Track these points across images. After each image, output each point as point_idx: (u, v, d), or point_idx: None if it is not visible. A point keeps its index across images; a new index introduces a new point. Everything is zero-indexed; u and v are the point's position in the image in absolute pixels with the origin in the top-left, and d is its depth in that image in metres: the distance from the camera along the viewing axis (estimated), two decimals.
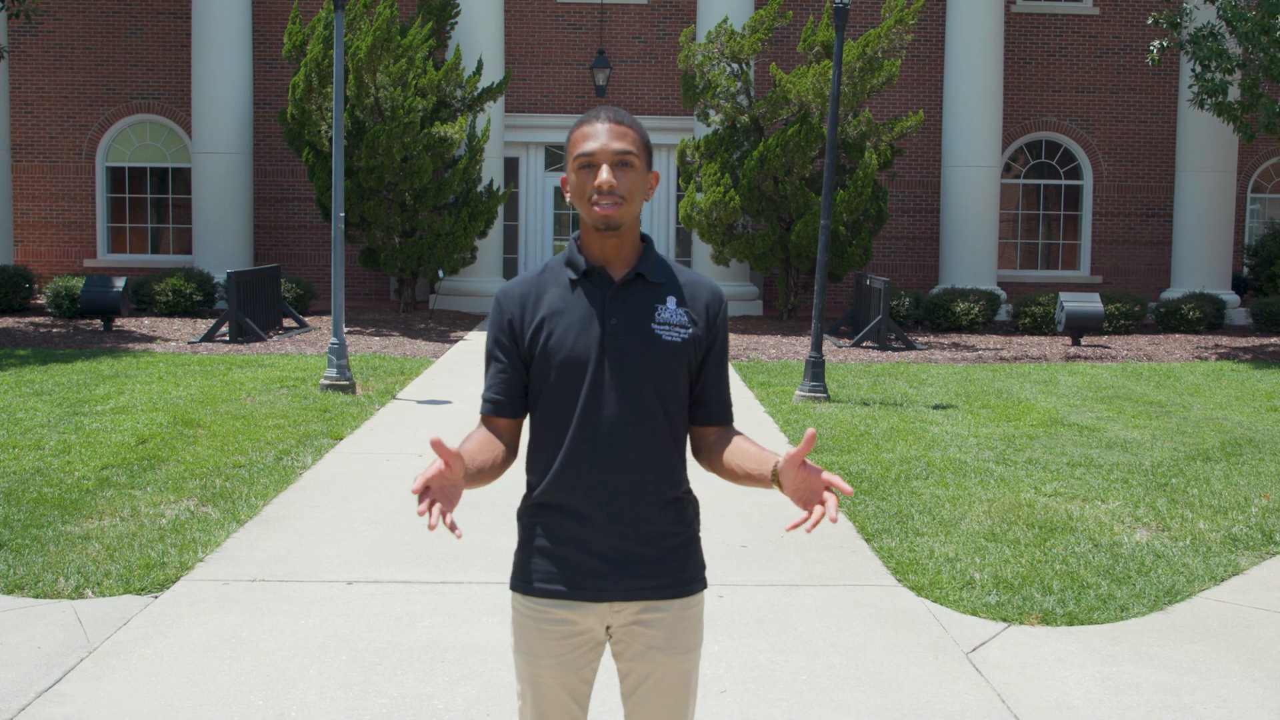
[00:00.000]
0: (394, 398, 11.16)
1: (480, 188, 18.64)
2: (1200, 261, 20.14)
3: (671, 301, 2.54)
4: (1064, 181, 21.32)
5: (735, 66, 18.04)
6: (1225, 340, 17.87)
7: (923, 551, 6.25)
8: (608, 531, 2.49)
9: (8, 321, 17.20)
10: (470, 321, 18.44)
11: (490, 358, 2.59)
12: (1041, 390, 12.34)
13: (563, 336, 2.49)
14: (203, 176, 19.34)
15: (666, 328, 2.51)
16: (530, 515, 2.57)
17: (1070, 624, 5.25)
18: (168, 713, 4.15)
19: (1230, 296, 19.97)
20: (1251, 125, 15.86)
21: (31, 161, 20.65)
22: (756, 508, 7.00)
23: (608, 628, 2.56)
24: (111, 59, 20.56)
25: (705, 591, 2.65)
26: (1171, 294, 20.17)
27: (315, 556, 6.01)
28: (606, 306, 2.50)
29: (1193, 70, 16.14)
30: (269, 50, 20.37)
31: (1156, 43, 16.22)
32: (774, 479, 2.42)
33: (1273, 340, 17.85)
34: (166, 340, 15.34)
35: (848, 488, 2.27)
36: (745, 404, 11.15)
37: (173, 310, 17.90)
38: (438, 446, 2.22)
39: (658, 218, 21.11)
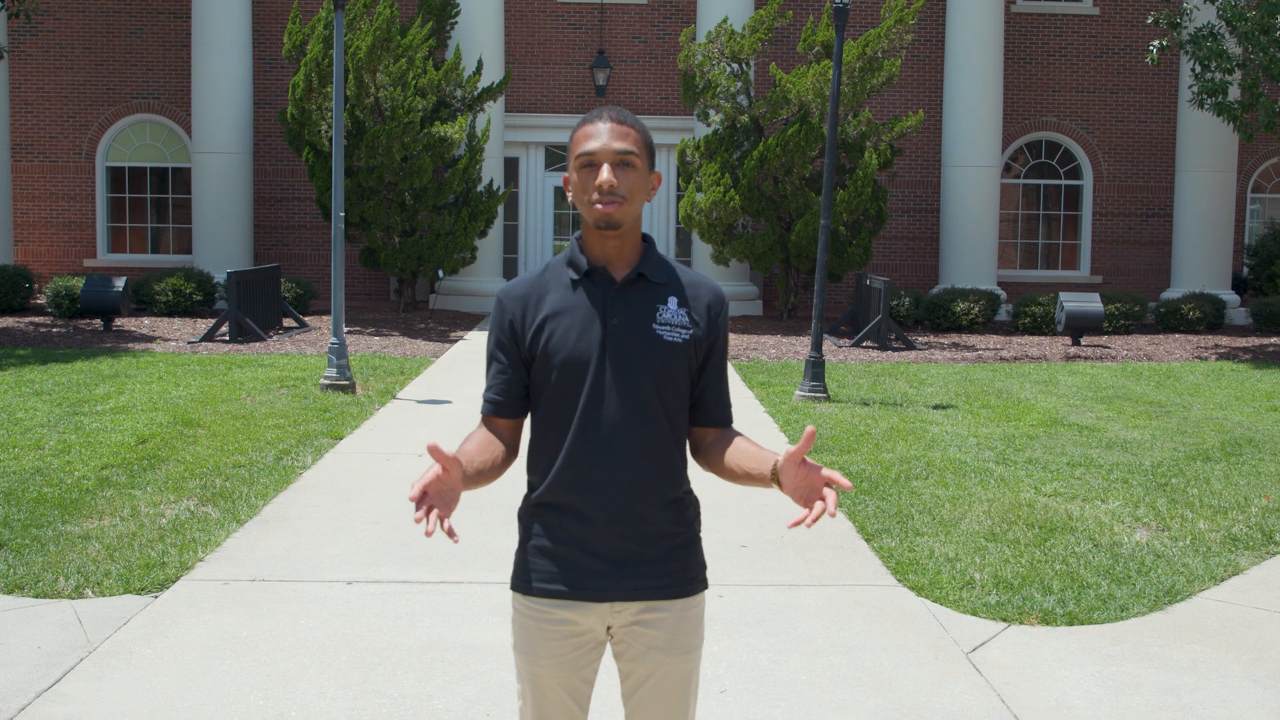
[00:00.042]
0: (394, 397, 11.16)
1: (480, 187, 18.64)
2: (1200, 261, 20.14)
3: (673, 302, 2.54)
4: (1064, 181, 21.32)
5: (735, 66, 18.04)
6: (1225, 340, 17.87)
7: (923, 551, 6.25)
8: (608, 531, 2.49)
9: (8, 321, 17.20)
10: (470, 321, 18.44)
11: (491, 358, 2.59)
12: (1041, 390, 12.34)
13: (564, 336, 2.49)
14: (203, 176, 19.34)
15: (668, 328, 2.51)
16: (531, 515, 2.57)
17: (1070, 624, 5.25)
18: (168, 713, 4.15)
19: (1230, 296, 19.98)
20: (1251, 125, 15.86)
21: (31, 161, 20.65)
22: (756, 508, 7.00)
23: (608, 628, 2.56)
24: (111, 59, 20.56)
25: (706, 592, 2.64)
26: (1171, 294, 20.17)
27: (315, 556, 6.01)
28: (608, 306, 2.50)
29: (1192, 70, 16.14)
30: (269, 50, 20.37)
31: (1156, 42, 16.22)
32: (773, 478, 2.42)
33: (1273, 340, 17.85)
34: (166, 340, 15.34)
35: (846, 483, 2.28)
36: (745, 404, 11.15)
37: (173, 310, 17.90)
38: (434, 452, 2.23)
39: (658, 218, 21.11)
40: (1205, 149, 19.97)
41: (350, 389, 11.26)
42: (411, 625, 5.04)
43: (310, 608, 5.24)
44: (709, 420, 2.61)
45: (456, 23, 19.41)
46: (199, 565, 5.81)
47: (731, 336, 16.98)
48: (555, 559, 2.52)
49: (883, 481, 7.86)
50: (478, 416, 10.34)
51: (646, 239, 2.59)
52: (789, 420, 10.24)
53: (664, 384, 2.50)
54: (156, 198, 20.93)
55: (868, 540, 6.50)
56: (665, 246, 21.01)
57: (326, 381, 11.24)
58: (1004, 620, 5.28)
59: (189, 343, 15.05)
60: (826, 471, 2.34)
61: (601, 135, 2.46)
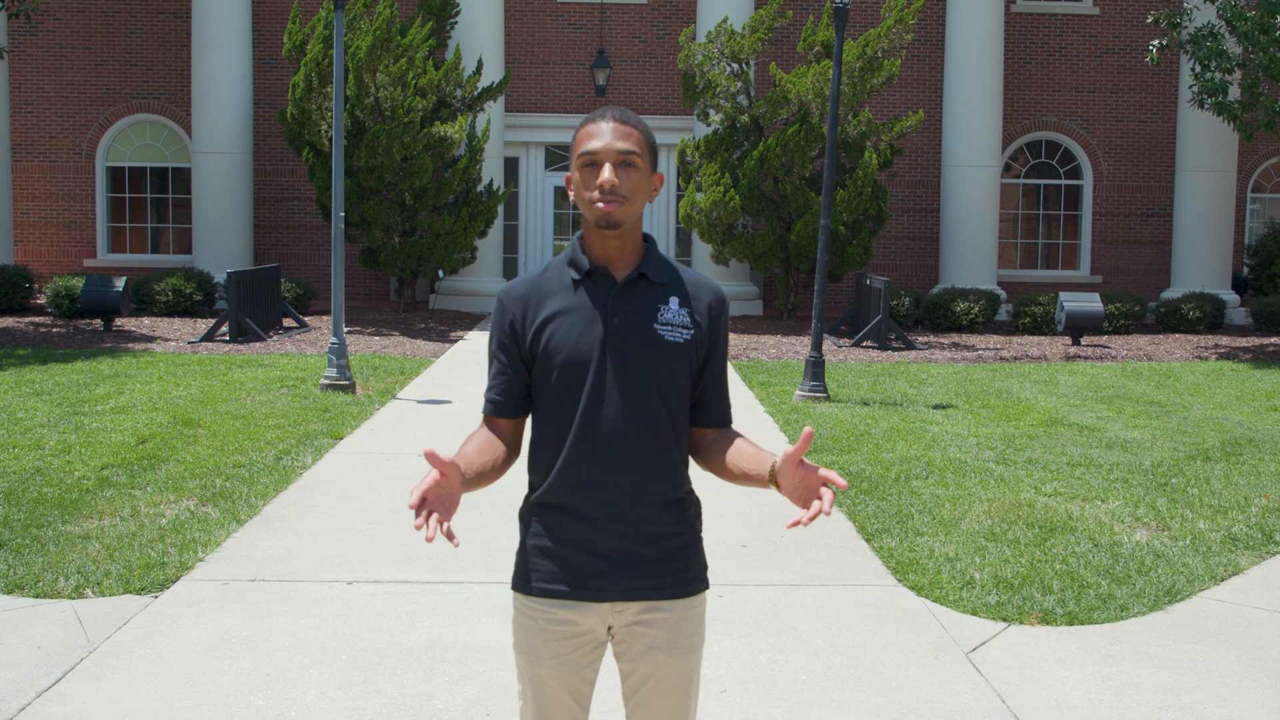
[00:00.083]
0: (394, 397, 11.16)
1: (480, 187, 18.64)
2: (1200, 261, 20.14)
3: (674, 302, 2.54)
4: (1064, 181, 21.32)
5: (735, 66, 18.04)
6: (1225, 340, 17.87)
7: (923, 551, 6.25)
8: (609, 531, 2.49)
9: (8, 321, 17.20)
10: (470, 321, 18.45)
11: (492, 358, 2.59)
12: (1041, 390, 12.34)
13: (565, 336, 2.49)
14: (203, 176, 19.34)
15: (669, 328, 2.51)
16: (532, 515, 2.57)
17: (1070, 624, 5.25)
18: (168, 713, 4.15)
19: (1230, 296, 19.98)
20: (1251, 124, 15.86)
21: (31, 161, 20.65)
22: (756, 508, 7.00)
23: (609, 628, 2.56)
24: (111, 59, 20.56)
25: (707, 592, 2.65)
26: (1171, 294, 20.17)
27: (315, 556, 6.01)
28: (609, 306, 2.50)
29: (1192, 70, 16.14)
30: (269, 50, 20.37)
31: (1156, 42, 16.22)
32: (771, 479, 2.42)
33: (1273, 340, 17.85)
34: (166, 340, 15.34)
35: (842, 482, 2.29)
36: (745, 404, 11.15)
37: (173, 310, 17.90)
38: (431, 458, 2.24)
39: (658, 218, 21.11)
40: (1205, 149, 19.97)
41: (350, 389, 11.26)
42: (411, 625, 5.04)
43: (310, 608, 5.24)
44: (709, 420, 2.61)
45: (456, 22, 19.42)
46: (199, 565, 5.81)
47: (731, 336, 16.98)
48: (556, 559, 2.52)
49: (883, 481, 7.86)
50: (478, 416, 10.35)
51: (648, 239, 2.59)
52: (789, 420, 10.24)
53: (665, 384, 2.50)
54: (156, 198, 20.93)
55: (868, 540, 6.50)
56: (665, 246, 21.02)
57: (326, 381, 11.24)
58: (1004, 620, 5.28)
59: (189, 343, 15.05)
60: (824, 471, 2.34)
61: (604, 135, 2.46)
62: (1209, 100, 15.59)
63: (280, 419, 9.69)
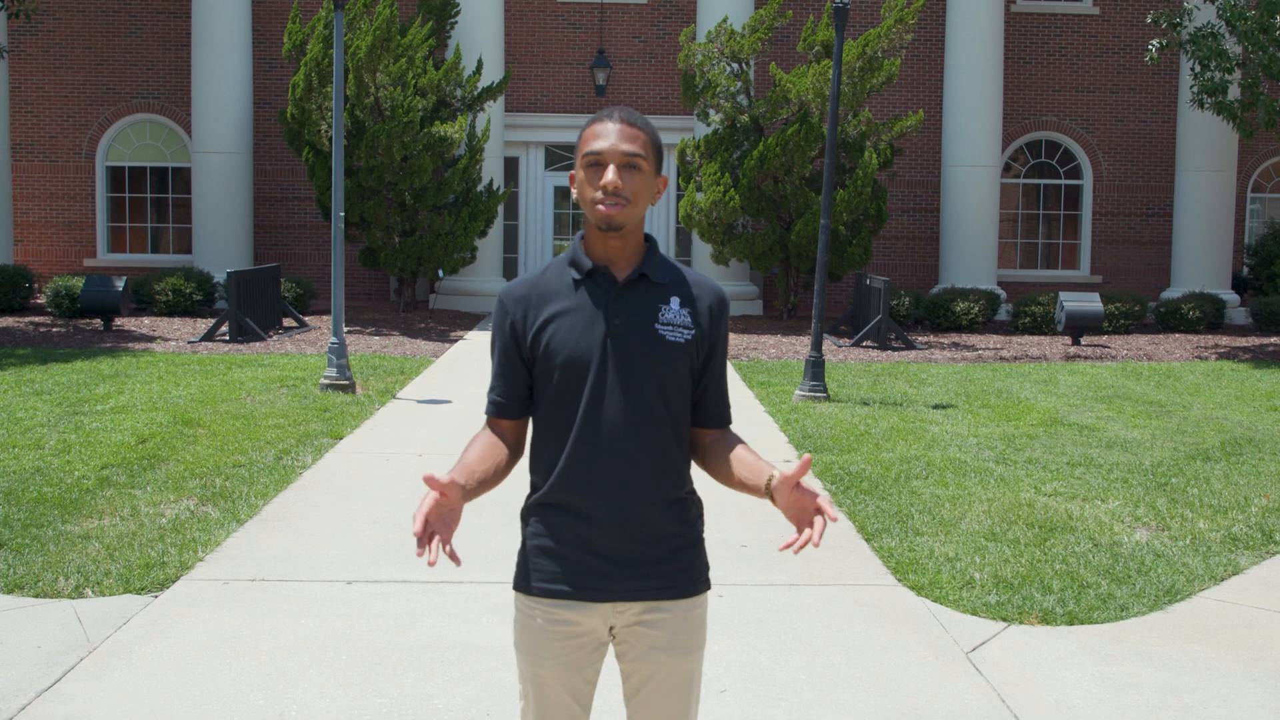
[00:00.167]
0: (394, 397, 11.16)
1: (480, 187, 18.64)
2: (1200, 261, 20.15)
3: (675, 302, 2.54)
4: (1064, 181, 21.32)
5: (735, 66, 18.04)
6: (1225, 340, 17.87)
7: (923, 551, 6.25)
8: (610, 531, 2.49)
9: (8, 321, 17.20)
10: (470, 321, 18.44)
11: (493, 358, 2.60)
12: (1041, 390, 12.34)
13: (566, 336, 2.49)
14: (203, 176, 19.34)
15: (670, 328, 2.51)
16: (533, 515, 2.57)
17: (1070, 623, 5.25)
18: (168, 712, 4.15)
19: (1230, 296, 19.98)
20: (1251, 123, 15.86)
21: (31, 161, 20.65)
22: (756, 508, 7.00)
23: (611, 628, 2.56)
24: (111, 58, 20.55)
25: (709, 592, 2.65)
26: (1171, 294, 20.17)
27: (315, 556, 6.01)
28: (610, 306, 2.50)
29: (1192, 70, 16.14)
30: (269, 50, 20.37)
31: (1155, 42, 16.22)
32: (767, 490, 2.43)
33: (1273, 340, 17.85)
34: (166, 340, 15.34)
35: (834, 515, 2.31)
36: (745, 403, 11.15)
37: (173, 310, 17.90)
38: (431, 482, 2.27)
39: (658, 217, 21.11)
40: (1205, 149, 19.98)
41: (350, 389, 11.26)
42: (411, 625, 5.04)
43: (310, 607, 5.24)
44: (708, 421, 2.61)
45: (456, 22, 19.42)
46: (199, 565, 5.81)
47: (731, 336, 16.98)
48: (558, 559, 2.52)
49: (883, 481, 7.86)
50: (478, 416, 10.36)
51: (649, 239, 2.59)
52: (789, 420, 10.24)
53: (666, 384, 2.50)
54: (156, 197, 20.93)
55: (868, 540, 6.50)
56: (665, 246, 21.01)
57: (326, 381, 11.24)
58: (1004, 620, 5.28)
59: (189, 342, 15.05)
60: (821, 501, 2.35)
61: (610, 135, 2.46)
62: (1209, 100, 15.59)
63: (280, 419, 9.69)
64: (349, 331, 16.51)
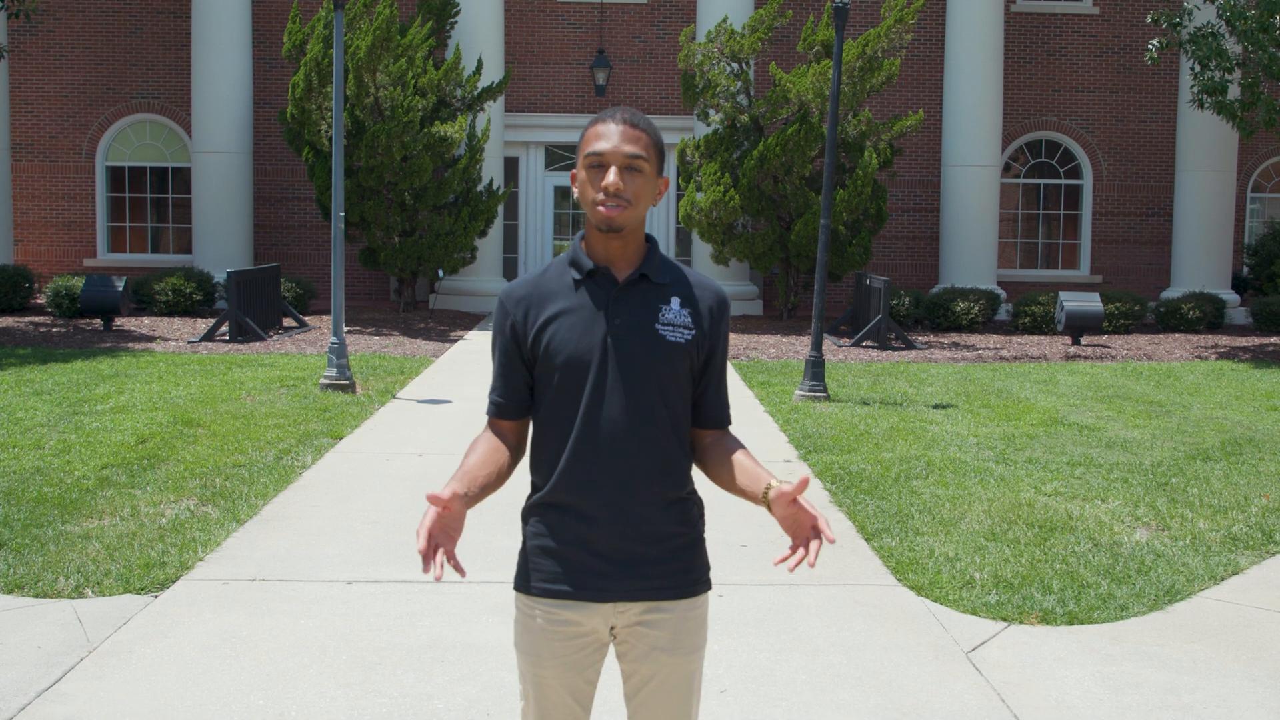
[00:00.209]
0: (394, 397, 11.16)
1: (480, 187, 18.64)
2: (1200, 261, 20.15)
3: (675, 302, 2.54)
4: (1064, 181, 21.32)
5: (735, 66, 18.04)
6: (1225, 340, 17.87)
7: (923, 551, 6.25)
8: (611, 532, 2.50)
9: (8, 321, 17.20)
10: (470, 321, 18.44)
11: (494, 359, 2.60)
12: (1041, 390, 12.34)
13: (566, 336, 2.49)
14: (203, 176, 19.34)
15: (670, 328, 2.51)
16: (534, 515, 2.57)
17: (1070, 623, 5.25)
18: (168, 712, 4.15)
19: (1230, 296, 19.98)
20: (1251, 122, 15.86)
21: (31, 161, 20.65)
22: (756, 508, 7.00)
23: (612, 628, 2.56)
24: (111, 58, 20.55)
25: (710, 592, 2.65)
26: (1171, 293, 20.17)
27: (315, 556, 6.01)
28: (610, 307, 2.50)
29: (1192, 70, 16.14)
30: (269, 50, 20.37)
31: (1155, 42, 16.22)
32: (764, 500, 2.45)
33: (1273, 340, 17.85)
34: (166, 340, 15.34)
35: (831, 537, 2.33)
36: (745, 403, 11.15)
37: (172, 310, 17.90)
38: (433, 499, 2.29)
39: (658, 217, 21.10)
40: (1205, 149, 19.97)
41: (350, 389, 11.26)
42: (411, 625, 5.04)
43: (310, 607, 5.24)
44: (707, 422, 2.62)
45: (456, 22, 19.42)
46: (199, 565, 5.81)
47: (731, 336, 16.98)
48: (558, 559, 2.52)
49: (883, 481, 7.86)
50: (478, 416, 10.35)
51: (650, 240, 2.59)
52: (789, 420, 10.24)
53: (666, 384, 2.50)
54: (156, 197, 20.93)
55: (868, 540, 6.50)
56: (665, 246, 21.01)
57: (326, 381, 11.24)
58: (1004, 620, 5.28)
59: (189, 342, 15.05)
60: (819, 523, 2.37)
61: (612, 137, 2.45)
62: (1209, 100, 15.59)
63: (280, 419, 9.69)
64: (349, 331, 16.51)
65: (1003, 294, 19.44)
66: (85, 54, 20.54)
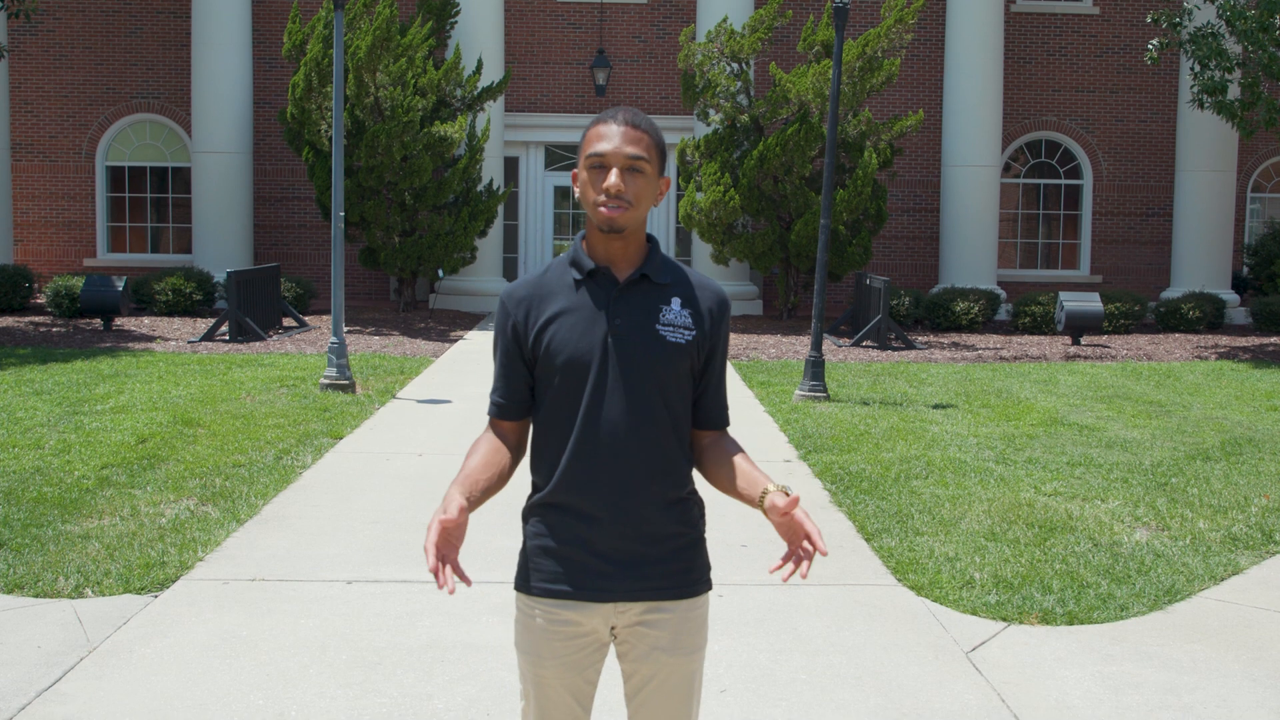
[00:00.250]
0: (394, 397, 11.16)
1: (480, 187, 18.64)
2: (1200, 261, 20.15)
3: (676, 303, 2.54)
4: (1064, 181, 21.33)
5: (735, 66, 18.04)
6: (1225, 340, 17.87)
7: (923, 551, 6.25)
8: (611, 532, 2.50)
9: (8, 321, 17.20)
10: (470, 321, 18.44)
11: (496, 360, 2.60)
12: (1041, 390, 12.34)
13: (567, 336, 2.49)
14: (203, 176, 19.34)
15: (671, 329, 2.51)
16: (534, 515, 2.57)
17: (1070, 623, 5.25)
18: (168, 712, 4.15)
19: (1230, 296, 19.98)
20: (1251, 122, 15.86)
21: (31, 161, 20.65)
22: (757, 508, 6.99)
23: (612, 628, 2.56)
24: (111, 58, 20.55)
25: (710, 592, 2.66)
26: (1171, 293, 20.17)
27: (315, 556, 6.01)
28: (611, 307, 2.50)
29: (1192, 69, 16.14)
30: (269, 49, 20.37)
31: (1155, 42, 16.23)
32: (760, 505, 2.47)
33: (1272, 340, 17.85)
34: (166, 339, 15.34)
35: (823, 549, 2.36)
36: (745, 403, 11.15)
37: (172, 309, 17.90)
38: (446, 522, 2.30)
39: (657, 217, 21.10)
40: (1205, 149, 19.98)
41: (350, 388, 11.26)
42: (411, 625, 5.04)
43: (310, 607, 5.24)
44: (706, 423, 2.62)
45: (456, 22, 19.42)
46: (199, 565, 5.81)
47: (731, 336, 16.98)
48: (559, 559, 2.52)
49: (883, 481, 7.86)
50: (478, 416, 10.35)
51: (651, 240, 2.59)
52: (789, 420, 10.24)
53: (667, 384, 2.50)
54: (156, 197, 20.93)
55: (868, 540, 6.50)
56: (665, 246, 21.01)
57: (326, 381, 11.24)
58: (1004, 620, 5.28)
59: (189, 342, 15.05)
60: (812, 540, 2.38)
61: (613, 138, 2.45)
62: (1209, 99, 15.59)
63: (280, 418, 9.69)
64: (349, 331, 16.51)
65: (1003, 294, 19.45)
66: (85, 54, 20.53)
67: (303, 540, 6.29)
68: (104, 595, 5.34)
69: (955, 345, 16.76)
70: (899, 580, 5.81)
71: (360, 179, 17.20)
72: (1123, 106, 21.08)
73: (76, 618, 5.03)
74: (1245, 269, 20.94)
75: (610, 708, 4.11)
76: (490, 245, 19.81)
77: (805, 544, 2.40)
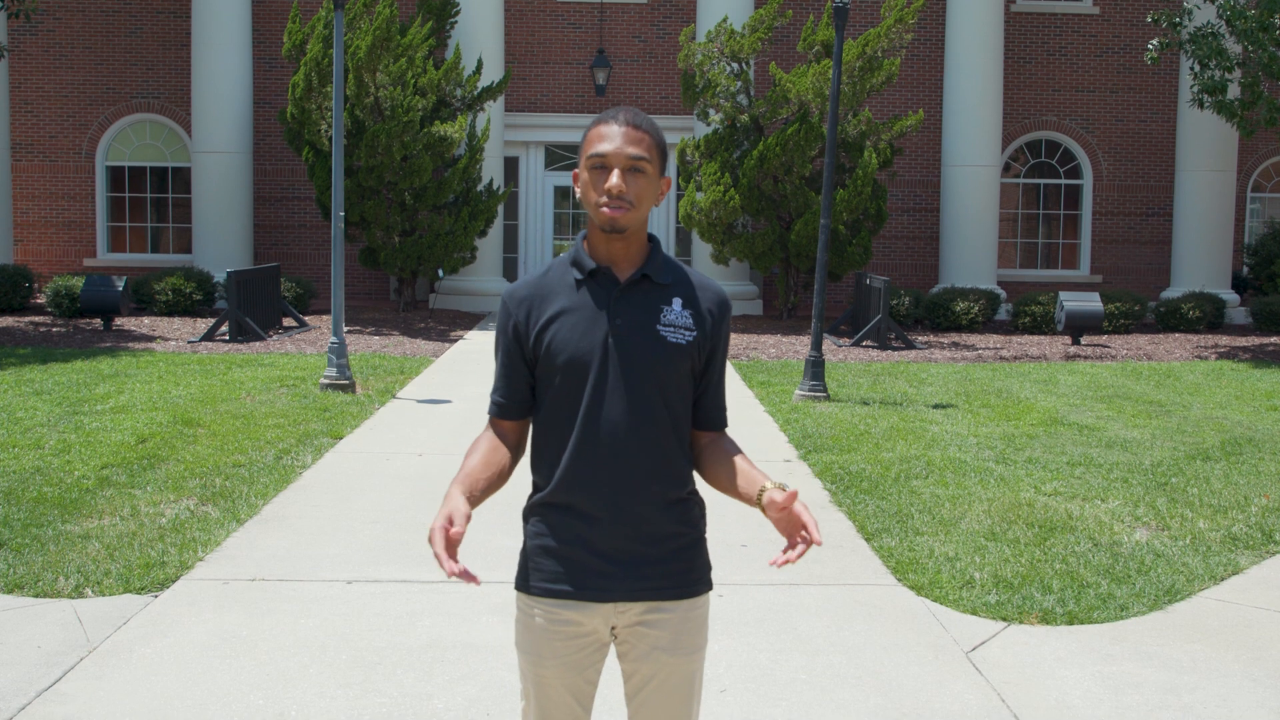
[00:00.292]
0: (394, 397, 11.16)
1: (480, 187, 18.64)
2: (1200, 261, 20.15)
3: (677, 303, 2.54)
4: (1064, 181, 21.32)
5: (735, 66, 18.04)
6: (1225, 339, 17.87)
7: (922, 551, 6.25)
8: (611, 532, 2.50)
9: (8, 321, 17.20)
10: (470, 321, 18.44)
11: (497, 359, 2.60)
12: (1041, 389, 12.34)
13: (568, 336, 2.49)
14: (203, 176, 19.34)
15: (672, 329, 2.51)
16: (535, 515, 2.58)
17: (1070, 623, 5.25)
18: (168, 712, 4.15)
19: (1230, 296, 19.98)
20: (1252, 121, 15.86)
21: (31, 161, 20.65)
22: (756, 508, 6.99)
23: (612, 628, 2.56)
24: (111, 58, 20.55)
25: (711, 592, 2.66)
26: (1171, 293, 20.17)
27: (315, 556, 6.01)
28: (612, 307, 2.50)
29: (1191, 69, 16.14)
30: (269, 49, 20.37)
31: (1155, 41, 16.23)
32: (758, 503, 2.48)
33: (1272, 339, 17.85)
34: (166, 339, 15.34)
35: (819, 540, 2.38)
36: (745, 403, 11.15)
37: (172, 309, 17.90)
38: (450, 539, 2.32)
39: (657, 217, 21.10)
40: (1205, 148, 19.98)
41: (350, 388, 11.26)
42: (411, 625, 5.04)
43: (310, 607, 5.24)
44: (705, 423, 2.62)
45: (456, 22, 19.41)
46: (199, 565, 5.81)
47: (732, 336, 16.98)
48: (559, 559, 2.52)
49: (883, 481, 7.86)
50: (478, 416, 10.35)
51: (652, 240, 2.59)
52: (789, 420, 10.24)
53: (667, 385, 2.51)
54: (156, 197, 20.93)
55: (868, 540, 6.50)
56: (665, 246, 20.99)
57: (326, 381, 11.24)
58: (1004, 620, 5.28)
59: (189, 342, 15.05)
60: (810, 528, 2.39)
61: (615, 138, 2.45)
62: (1209, 99, 15.60)
63: (280, 418, 9.69)
64: (349, 331, 16.51)
65: (1003, 294, 19.45)
66: (85, 54, 20.53)
67: (303, 540, 6.29)
68: (104, 595, 5.34)
69: (955, 345, 16.76)
70: (899, 580, 5.81)
71: (360, 179, 17.20)
72: (1123, 106, 21.08)
73: (76, 618, 5.03)
74: (1245, 269, 20.94)
75: (610, 708, 4.11)
76: (490, 245, 19.81)
77: (802, 533, 2.40)
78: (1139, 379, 13.40)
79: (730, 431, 2.69)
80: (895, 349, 16.02)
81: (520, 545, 2.65)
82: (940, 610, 5.38)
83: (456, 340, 16.05)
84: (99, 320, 16.98)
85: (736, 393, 11.67)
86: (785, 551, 2.42)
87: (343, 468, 8.07)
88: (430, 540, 2.32)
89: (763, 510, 2.46)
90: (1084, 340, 17.47)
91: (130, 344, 14.82)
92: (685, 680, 2.58)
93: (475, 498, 2.46)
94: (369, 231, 17.79)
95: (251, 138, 19.81)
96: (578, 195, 2.54)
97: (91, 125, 20.62)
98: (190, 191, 20.24)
